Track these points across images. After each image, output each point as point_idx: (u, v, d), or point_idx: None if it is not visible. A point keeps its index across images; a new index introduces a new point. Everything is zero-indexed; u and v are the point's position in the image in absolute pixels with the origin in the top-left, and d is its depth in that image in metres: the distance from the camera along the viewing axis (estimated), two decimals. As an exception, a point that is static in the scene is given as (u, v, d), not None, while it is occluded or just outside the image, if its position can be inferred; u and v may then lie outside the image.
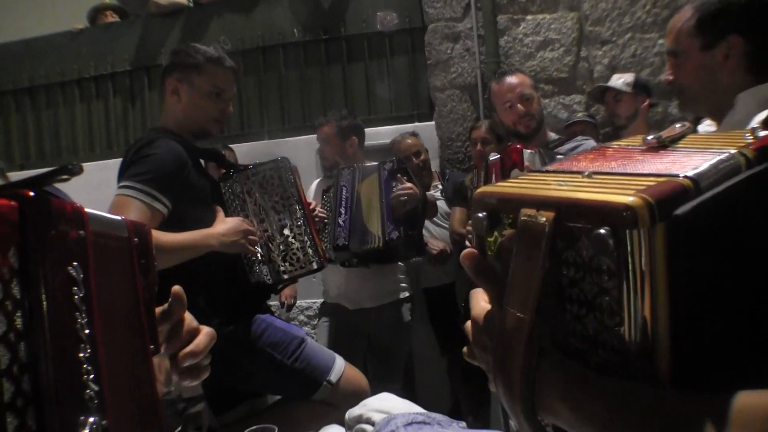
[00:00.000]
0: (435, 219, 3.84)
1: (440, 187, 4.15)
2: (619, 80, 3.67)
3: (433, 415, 1.63)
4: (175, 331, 0.94)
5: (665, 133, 0.78)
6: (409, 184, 3.22)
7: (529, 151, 2.46)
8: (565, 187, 0.66)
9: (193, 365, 0.95)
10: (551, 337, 0.67)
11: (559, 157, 2.45)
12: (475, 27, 4.56)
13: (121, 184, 2.14)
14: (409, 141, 4.12)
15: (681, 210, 0.58)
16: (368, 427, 1.65)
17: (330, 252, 3.19)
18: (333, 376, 2.40)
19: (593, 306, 0.63)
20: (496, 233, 0.73)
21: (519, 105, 2.83)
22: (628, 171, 0.69)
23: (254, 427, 1.56)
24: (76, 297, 0.67)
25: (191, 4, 5.36)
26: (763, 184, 0.64)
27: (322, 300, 3.78)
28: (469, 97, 4.62)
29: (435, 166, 4.41)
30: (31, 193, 0.64)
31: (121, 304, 0.82)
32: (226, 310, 2.29)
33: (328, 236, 3.24)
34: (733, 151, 0.68)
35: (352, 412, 1.74)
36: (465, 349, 0.81)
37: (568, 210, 0.62)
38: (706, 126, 1.77)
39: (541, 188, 0.69)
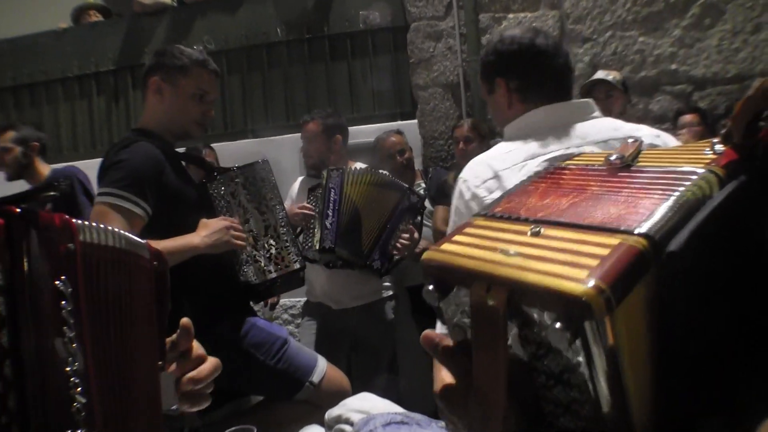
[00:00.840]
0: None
1: (423, 185, 4.16)
2: (609, 76, 3.69)
3: (412, 414, 1.66)
4: (183, 358, 0.97)
5: (623, 151, 0.77)
6: (416, 236, 3.27)
7: None
8: (512, 258, 0.62)
9: (194, 391, 0.98)
10: (522, 407, 0.66)
11: None
12: (457, 25, 4.59)
13: (100, 191, 2.17)
14: (393, 139, 4.13)
15: (674, 246, 0.57)
16: (347, 427, 1.67)
17: (315, 253, 3.21)
18: (315, 377, 2.42)
19: (560, 380, 0.61)
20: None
21: None
22: (579, 221, 0.64)
23: (234, 428, 1.59)
24: (64, 311, 0.67)
25: (175, 4, 5.36)
26: (746, 197, 0.63)
27: (305, 299, 3.81)
28: (452, 95, 4.65)
29: (418, 164, 4.43)
30: (17, 210, 0.64)
31: (131, 318, 0.83)
32: (213, 311, 2.31)
33: (314, 236, 3.25)
34: (700, 171, 0.66)
35: (332, 413, 1.76)
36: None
37: (519, 293, 0.59)
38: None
39: (488, 255, 0.64)
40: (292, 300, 4.51)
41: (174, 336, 0.96)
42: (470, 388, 0.66)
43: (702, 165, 0.66)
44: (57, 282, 0.67)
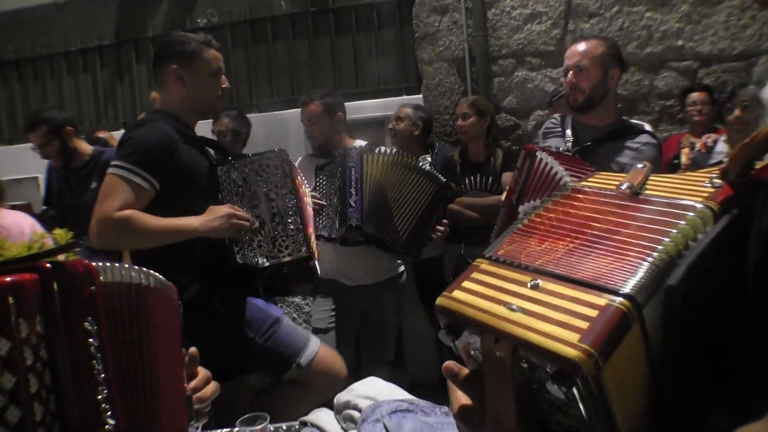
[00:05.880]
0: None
1: (429, 160, 4.16)
2: None
3: (417, 401, 1.69)
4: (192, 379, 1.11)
5: (631, 179, 0.85)
6: (444, 223, 3.24)
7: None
8: (515, 314, 0.73)
9: (199, 410, 1.10)
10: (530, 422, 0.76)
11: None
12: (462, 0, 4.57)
13: (112, 163, 2.34)
14: (398, 111, 4.18)
15: (673, 280, 0.66)
16: (355, 413, 1.70)
17: (337, 230, 3.18)
18: (303, 359, 2.48)
19: (560, 410, 0.71)
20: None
21: (570, 74, 2.64)
22: (572, 275, 0.74)
23: (246, 416, 1.62)
24: (92, 348, 0.78)
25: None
26: (738, 229, 0.69)
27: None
28: (457, 70, 4.63)
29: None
30: (48, 265, 0.75)
31: (154, 346, 0.95)
32: (206, 287, 2.38)
33: (332, 216, 3.25)
34: (699, 205, 0.75)
35: (340, 398, 1.80)
36: None
37: (522, 346, 0.70)
38: None
39: (494, 309, 0.75)
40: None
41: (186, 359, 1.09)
42: (484, 410, 0.77)
43: (701, 199, 0.76)
44: (85, 323, 0.78)
